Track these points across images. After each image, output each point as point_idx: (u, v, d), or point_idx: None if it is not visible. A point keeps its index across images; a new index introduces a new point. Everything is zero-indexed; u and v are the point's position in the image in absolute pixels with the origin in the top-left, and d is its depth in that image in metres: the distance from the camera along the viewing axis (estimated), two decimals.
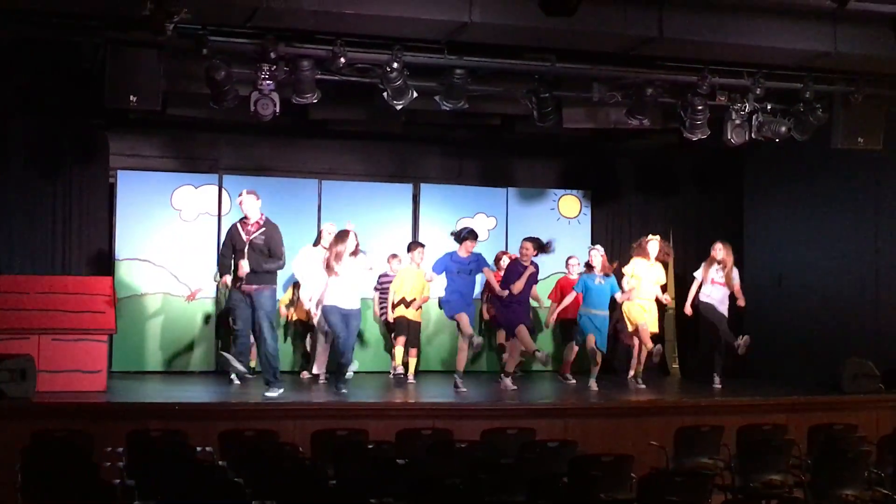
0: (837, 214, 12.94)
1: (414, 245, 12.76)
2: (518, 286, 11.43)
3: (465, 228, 11.85)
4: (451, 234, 11.81)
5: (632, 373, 12.50)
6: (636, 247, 12.62)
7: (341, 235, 10.92)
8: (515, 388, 11.52)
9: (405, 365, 12.50)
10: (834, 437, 9.27)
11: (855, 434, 9.40)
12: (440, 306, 12.26)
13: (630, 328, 12.46)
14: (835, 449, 8.75)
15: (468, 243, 11.51)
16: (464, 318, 11.39)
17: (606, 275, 12.00)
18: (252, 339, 10.85)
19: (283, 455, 7.79)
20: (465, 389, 11.26)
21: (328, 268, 10.81)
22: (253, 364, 11.71)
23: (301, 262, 12.12)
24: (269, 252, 10.67)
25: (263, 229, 10.70)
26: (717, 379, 12.26)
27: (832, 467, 8.14)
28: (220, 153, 13.92)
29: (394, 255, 13.01)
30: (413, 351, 12.56)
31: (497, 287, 11.57)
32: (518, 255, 11.80)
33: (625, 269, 12.48)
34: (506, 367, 11.74)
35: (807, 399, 11.29)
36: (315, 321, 11.99)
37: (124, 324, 12.26)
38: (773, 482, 8.31)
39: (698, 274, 12.49)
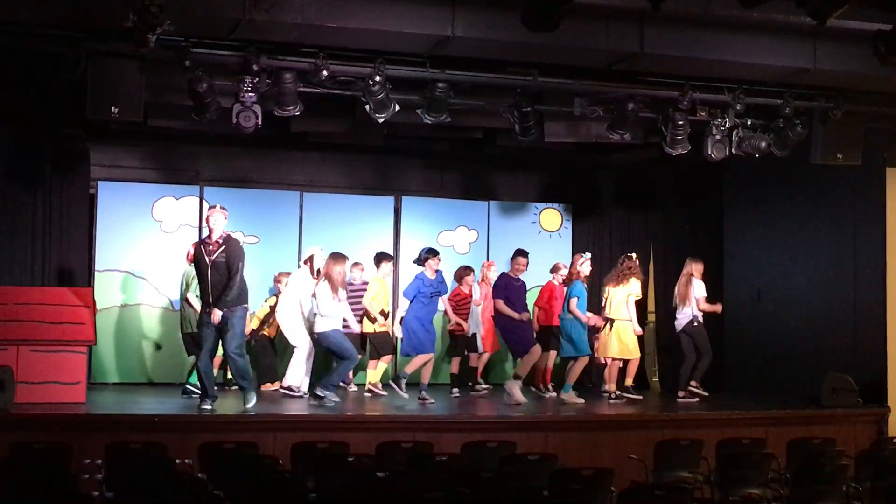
0: (816, 230, 13.00)
1: (385, 258, 12.52)
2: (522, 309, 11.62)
3: (423, 249, 11.90)
4: (414, 262, 11.89)
5: (629, 381, 12.44)
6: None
7: (337, 258, 11.13)
8: (525, 401, 11.40)
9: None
10: (813, 451, 9.32)
11: (833, 448, 9.44)
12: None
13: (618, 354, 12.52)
14: (813, 463, 8.80)
15: (431, 262, 11.60)
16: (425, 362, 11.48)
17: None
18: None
19: (262, 468, 7.77)
20: (433, 401, 11.26)
21: (333, 291, 10.98)
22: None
23: (297, 286, 11.88)
24: (228, 269, 10.19)
25: (223, 248, 10.27)
26: (685, 392, 12.32)
27: (811, 481, 8.18)
28: (202, 165, 13.90)
29: (356, 264, 12.70)
30: (389, 358, 12.52)
31: (513, 313, 11.59)
32: (509, 269, 11.98)
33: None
34: (517, 372, 11.65)
35: (786, 413, 11.36)
36: (288, 337, 11.98)
37: (104, 335, 12.20)
38: (753, 496, 8.36)
39: (681, 296, 12.56)
